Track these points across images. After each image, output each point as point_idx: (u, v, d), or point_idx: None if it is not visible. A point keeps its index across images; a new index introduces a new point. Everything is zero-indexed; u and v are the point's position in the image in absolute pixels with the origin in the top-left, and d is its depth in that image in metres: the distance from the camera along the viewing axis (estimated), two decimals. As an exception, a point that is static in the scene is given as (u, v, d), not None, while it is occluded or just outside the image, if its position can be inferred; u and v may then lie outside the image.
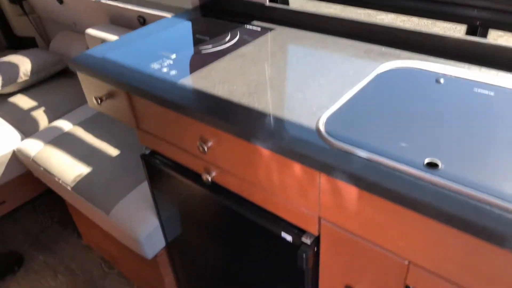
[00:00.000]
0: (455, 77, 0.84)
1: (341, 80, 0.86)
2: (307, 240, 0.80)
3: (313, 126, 0.73)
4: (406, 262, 0.67)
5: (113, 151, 1.51)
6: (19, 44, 2.48)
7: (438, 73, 0.86)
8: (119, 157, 1.48)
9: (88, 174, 1.43)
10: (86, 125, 1.71)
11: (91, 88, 1.11)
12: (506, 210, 0.53)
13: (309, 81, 0.86)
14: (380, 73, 0.88)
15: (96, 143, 1.57)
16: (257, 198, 0.87)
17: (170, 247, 1.33)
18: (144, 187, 1.35)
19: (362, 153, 0.66)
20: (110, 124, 1.69)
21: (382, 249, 0.70)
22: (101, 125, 1.69)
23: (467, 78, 0.84)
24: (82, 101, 1.94)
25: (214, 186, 0.97)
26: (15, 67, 1.93)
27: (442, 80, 0.83)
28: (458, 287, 0.63)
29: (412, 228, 0.63)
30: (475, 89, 0.80)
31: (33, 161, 1.59)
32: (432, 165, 0.62)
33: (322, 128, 0.72)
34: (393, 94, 0.80)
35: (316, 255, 0.83)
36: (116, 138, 1.58)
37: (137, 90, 0.92)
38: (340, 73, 0.88)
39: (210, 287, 1.29)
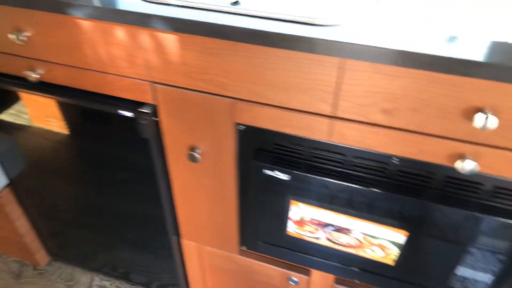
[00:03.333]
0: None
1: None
2: (145, 110, 0.84)
3: (128, -11, 0.75)
4: (229, 100, 0.77)
5: None
6: None
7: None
8: None
9: None
10: None
11: None
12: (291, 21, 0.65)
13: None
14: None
15: None
16: (90, 84, 0.86)
17: (15, 184, 1.22)
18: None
19: (175, 2, 0.71)
20: None
21: (210, 95, 0.78)
22: None
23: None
24: None
25: (42, 87, 0.91)
26: None
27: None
28: (274, 107, 0.75)
29: (229, 62, 0.71)
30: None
31: None
32: (235, 3, 0.71)
33: (136, -11, 0.74)
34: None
35: (158, 125, 0.87)
36: None
37: None
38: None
39: (69, 216, 1.24)
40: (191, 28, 0.67)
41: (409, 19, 0.68)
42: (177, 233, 1.11)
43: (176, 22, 0.67)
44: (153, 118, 0.85)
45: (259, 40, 0.65)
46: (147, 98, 0.84)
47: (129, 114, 0.85)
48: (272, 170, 0.83)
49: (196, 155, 0.86)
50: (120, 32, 0.75)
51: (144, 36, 0.74)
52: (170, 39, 0.72)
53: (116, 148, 0.95)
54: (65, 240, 1.35)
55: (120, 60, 0.79)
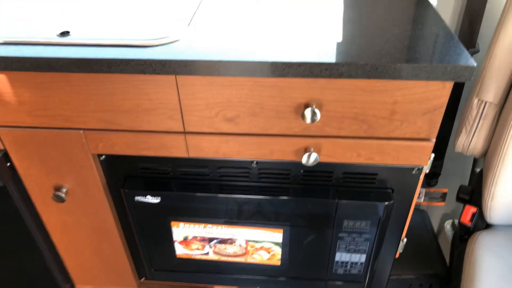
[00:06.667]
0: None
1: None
2: (-6, 156, 0.79)
3: None
4: (79, 131, 0.75)
5: None
6: None
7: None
8: None
9: None
10: None
11: None
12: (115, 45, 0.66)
13: None
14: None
15: None
16: None
17: None
18: None
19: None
20: None
21: (58, 130, 0.75)
22: None
23: None
24: None
25: None
26: None
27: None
28: (126, 132, 0.74)
29: (67, 93, 0.70)
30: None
31: None
32: (64, 33, 0.70)
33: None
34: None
35: (13, 170, 0.82)
36: None
37: None
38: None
39: None
40: (15, 65, 0.65)
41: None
42: (69, 280, 1.04)
43: (4, 61, 0.64)
44: (6, 163, 0.80)
45: (87, 68, 0.64)
46: (-5, 144, 0.78)
47: (-23, 163, 0.79)
48: (144, 195, 0.82)
49: (61, 194, 0.82)
50: None
51: (-28, 80, 0.69)
52: (2, 79, 0.69)
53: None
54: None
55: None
